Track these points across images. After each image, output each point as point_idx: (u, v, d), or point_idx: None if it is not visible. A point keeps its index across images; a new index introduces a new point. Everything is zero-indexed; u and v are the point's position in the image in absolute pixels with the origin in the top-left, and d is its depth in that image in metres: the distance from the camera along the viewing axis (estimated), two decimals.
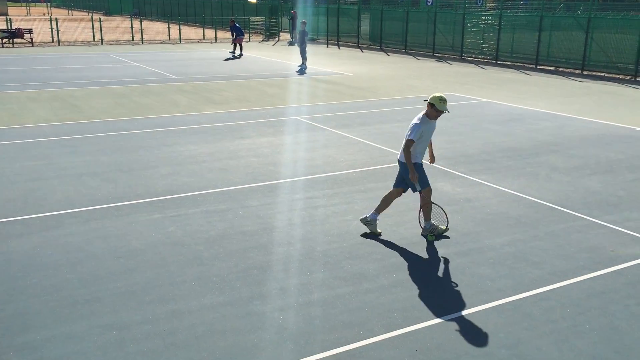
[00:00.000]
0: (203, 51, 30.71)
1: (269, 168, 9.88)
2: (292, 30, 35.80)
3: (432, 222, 7.13)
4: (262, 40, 37.96)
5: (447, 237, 7.09)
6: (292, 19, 35.30)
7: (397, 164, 7.43)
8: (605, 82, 20.25)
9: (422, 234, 7.17)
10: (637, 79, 20.68)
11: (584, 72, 22.34)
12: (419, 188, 7.04)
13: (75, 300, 5.54)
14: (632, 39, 20.98)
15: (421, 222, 7.25)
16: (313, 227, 7.40)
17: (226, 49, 30.13)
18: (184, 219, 7.60)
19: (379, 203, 7.31)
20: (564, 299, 5.65)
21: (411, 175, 6.89)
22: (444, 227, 7.17)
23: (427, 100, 6.87)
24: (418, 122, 6.88)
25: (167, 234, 7.13)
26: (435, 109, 6.76)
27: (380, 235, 7.16)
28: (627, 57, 21.19)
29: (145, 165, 9.95)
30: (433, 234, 7.06)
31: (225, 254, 6.59)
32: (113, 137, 11.99)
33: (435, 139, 11.84)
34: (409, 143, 6.86)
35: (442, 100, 6.73)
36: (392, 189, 7.33)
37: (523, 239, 7.08)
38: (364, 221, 7.23)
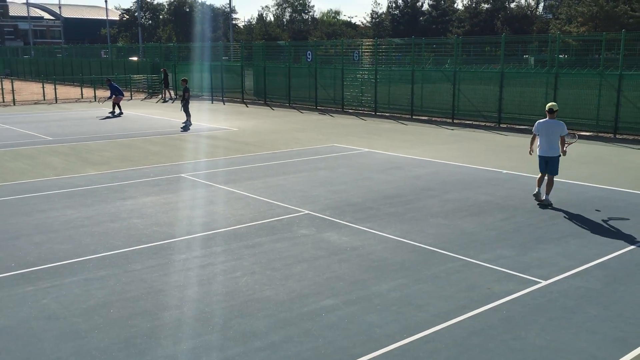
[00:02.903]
0: (82, 111, 29.58)
1: (154, 229, 9.56)
2: (163, 88, 35.76)
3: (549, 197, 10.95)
4: (145, 98, 37.27)
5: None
6: (164, 77, 35.25)
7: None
8: (473, 130, 21.86)
9: (544, 202, 10.85)
10: (501, 125, 22.53)
11: (454, 121, 23.99)
12: (557, 172, 10.97)
13: None
14: (494, 89, 22.93)
15: (542, 193, 10.96)
16: (201, 288, 7.21)
17: (106, 108, 29.23)
18: (60, 289, 7.11)
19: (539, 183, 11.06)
20: (448, 339, 5.87)
21: (563, 151, 10.91)
22: (553, 202, 10.89)
23: (552, 109, 10.98)
24: (562, 123, 10.91)
25: (40, 307, 6.62)
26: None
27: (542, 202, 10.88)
28: (490, 106, 23.08)
29: (15, 234, 9.26)
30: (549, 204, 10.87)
31: (105, 323, 6.22)
32: None
33: (320, 189, 12.14)
34: (564, 138, 10.85)
35: (554, 104, 11.16)
36: (540, 174, 11.11)
37: (407, 283, 7.32)
38: (537, 195, 10.92)
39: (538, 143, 11.12)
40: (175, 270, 7.78)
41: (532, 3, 74.56)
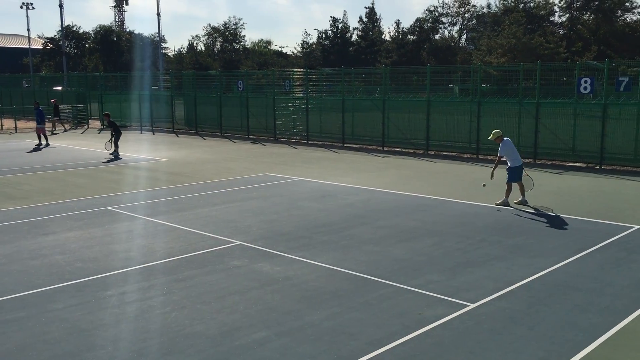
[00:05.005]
0: (1, 143, 28.23)
1: (77, 265, 9.16)
2: (53, 119, 34.34)
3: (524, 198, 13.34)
4: (70, 128, 36.04)
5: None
6: (55, 108, 33.92)
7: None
8: (403, 157, 22.38)
9: (521, 202, 13.24)
10: (429, 152, 23.19)
11: (384, 148, 24.50)
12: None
13: None
14: (421, 117, 23.62)
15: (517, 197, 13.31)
16: (127, 325, 6.93)
17: (29, 140, 28.07)
18: None
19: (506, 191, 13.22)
20: None
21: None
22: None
23: (494, 137, 13.43)
24: (504, 148, 13.27)
25: None
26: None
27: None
28: (418, 133, 23.74)
29: None
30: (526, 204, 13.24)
31: None
32: None
33: (252, 219, 12.02)
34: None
35: (495, 132, 13.58)
36: (514, 183, 13.29)
37: (340, 311, 7.32)
38: (503, 203, 13.16)
39: (511, 161, 13.23)
40: (100, 308, 7.45)
41: (455, 35, 77.98)
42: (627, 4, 62.61)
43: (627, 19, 63.31)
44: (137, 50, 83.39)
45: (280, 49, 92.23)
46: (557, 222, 11.79)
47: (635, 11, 63.32)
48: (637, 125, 18.59)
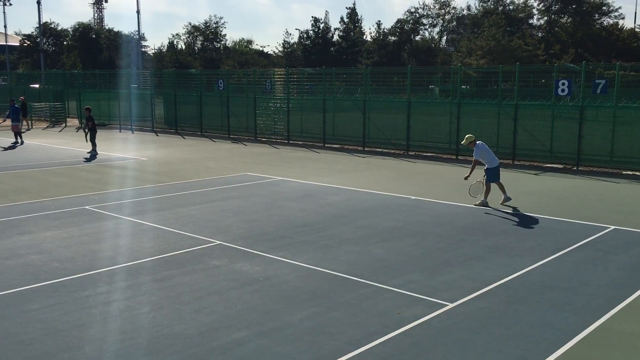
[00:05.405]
0: None
1: (54, 265, 9.03)
2: (22, 118, 33.34)
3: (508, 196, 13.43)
4: (47, 126, 35.55)
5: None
6: (22, 105, 33.05)
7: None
8: (384, 157, 22.46)
9: (504, 200, 13.28)
10: (409, 153, 23.30)
11: (365, 149, 24.56)
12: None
13: None
14: (402, 118, 23.73)
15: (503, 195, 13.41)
16: (104, 326, 6.85)
17: (3, 138, 27.61)
18: None
19: (485, 191, 13.39)
20: None
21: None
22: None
23: (467, 141, 13.51)
24: (479, 151, 13.32)
25: None
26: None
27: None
28: (399, 134, 23.85)
29: None
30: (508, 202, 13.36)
31: None
32: None
33: (232, 219, 11.98)
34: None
35: (467, 137, 13.66)
36: (496, 183, 13.34)
37: (320, 311, 7.32)
38: (482, 203, 13.24)
39: (488, 162, 13.31)
40: (77, 308, 7.36)
41: (436, 37, 78.52)
42: (604, 8, 63.72)
43: (604, 22, 64.43)
44: (116, 48, 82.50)
45: (261, 49, 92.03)
46: (534, 223, 11.93)
47: (612, 15, 64.34)
48: (613, 127, 18.90)
